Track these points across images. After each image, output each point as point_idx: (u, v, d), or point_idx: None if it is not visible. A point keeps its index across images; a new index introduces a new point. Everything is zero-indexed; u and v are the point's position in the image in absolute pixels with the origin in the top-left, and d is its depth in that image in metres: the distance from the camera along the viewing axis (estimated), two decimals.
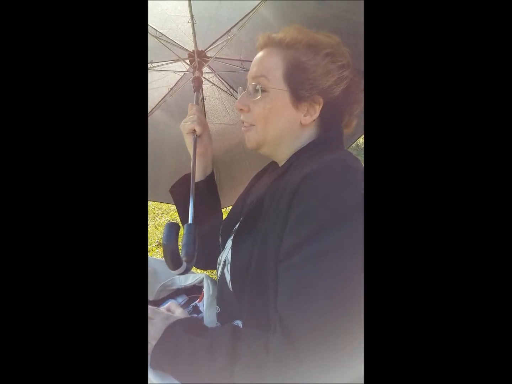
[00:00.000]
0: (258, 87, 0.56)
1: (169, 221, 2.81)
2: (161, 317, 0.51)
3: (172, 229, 0.50)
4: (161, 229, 2.63)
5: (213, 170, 0.81)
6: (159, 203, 2.95)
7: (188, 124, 0.74)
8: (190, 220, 0.61)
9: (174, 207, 0.87)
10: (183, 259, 0.52)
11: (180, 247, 0.52)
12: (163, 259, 0.55)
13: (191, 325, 0.51)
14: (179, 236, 0.51)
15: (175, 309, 0.57)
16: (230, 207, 0.73)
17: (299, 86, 0.54)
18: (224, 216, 0.74)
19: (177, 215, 0.83)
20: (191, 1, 0.72)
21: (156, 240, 2.35)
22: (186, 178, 0.80)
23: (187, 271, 0.53)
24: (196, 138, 0.73)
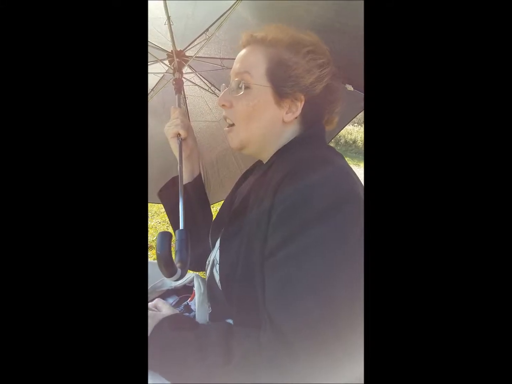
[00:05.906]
0: (241, 83, 0.56)
1: (160, 222, 2.80)
2: (148, 316, 0.50)
3: (165, 238, 0.50)
4: (152, 231, 2.62)
5: (200, 172, 0.81)
6: (149, 205, 2.92)
7: (171, 128, 0.73)
8: (181, 226, 0.61)
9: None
10: (177, 265, 0.52)
11: (173, 253, 0.52)
12: (154, 261, 0.55)
13: (179, 321, 0.50)
14: (172, 242, 0.51)
15: (161, 306, 0.56)
16: (218, 204, 0.72)
17: (281, 82, 0.54)
18: (214, 215, 0.74)
19: None
20: (167, 2, 0.72)
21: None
22: (174, 180, 0.79)
23: (181, 277, 0.53)
24: (181, 141, 0.73)
